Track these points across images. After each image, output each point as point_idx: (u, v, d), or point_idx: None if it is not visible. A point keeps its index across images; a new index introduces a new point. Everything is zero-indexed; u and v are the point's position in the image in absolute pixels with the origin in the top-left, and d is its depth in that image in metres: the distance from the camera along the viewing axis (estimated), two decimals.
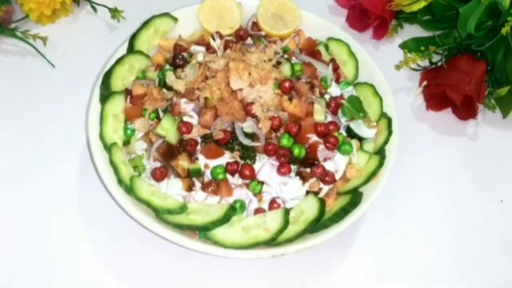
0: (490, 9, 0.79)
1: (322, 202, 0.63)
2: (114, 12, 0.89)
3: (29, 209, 0.70)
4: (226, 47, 0.73)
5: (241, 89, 0.65)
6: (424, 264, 0.71)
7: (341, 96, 0.71)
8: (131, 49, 0.74)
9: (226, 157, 0.64)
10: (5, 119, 0.79)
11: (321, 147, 0.65)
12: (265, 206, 0.63)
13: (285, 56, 0.73)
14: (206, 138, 0.65)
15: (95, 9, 0.91)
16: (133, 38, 0.74)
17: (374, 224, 0.72)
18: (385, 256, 0.70)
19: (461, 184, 0.79)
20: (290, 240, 0.60)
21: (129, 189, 0.62)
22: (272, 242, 0.59)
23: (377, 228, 0.72)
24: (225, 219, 0.60)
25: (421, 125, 0.85)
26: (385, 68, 0.84)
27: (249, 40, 0.76)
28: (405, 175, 0.76)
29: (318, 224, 0.61)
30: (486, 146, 0.83)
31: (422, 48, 0.83)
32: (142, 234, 0.64)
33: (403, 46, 0.91)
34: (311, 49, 0.78)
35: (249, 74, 0.64)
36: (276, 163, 0.64)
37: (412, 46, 0.91)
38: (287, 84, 0.67)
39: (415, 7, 0.88)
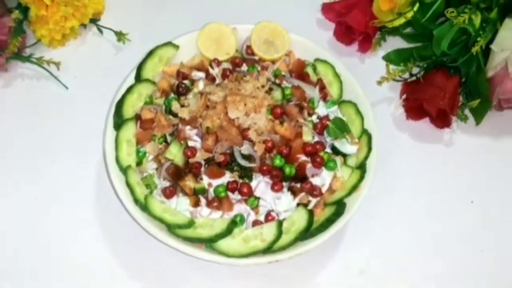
0: (462, 29, 0.87)
1: (311, 214, 0.72)
2: (120, 35, 0.97)
3: (46, 226, 0.79)
4: (223, 75, 0.81)
5: (238, 118, 0.74)
6: (402, 261, 0.80)
7: (327, 117, 0.80)
8: (138, 77, 0.82)
9: (227, 177, 0.73)
10: (23, 140, 0.86)
11: (309, 165, 0.75)
12: (262, 218, 0.73)
13: (277, 81, 0.82)
14: (209, 160, 0.74)
15: (101, 31, 0.99)
16: (140, 67, 0.82)
17: (358, 226, 0.81)
18: (368, 256, 0.80)
19: (436, 187, 0.87)
20: (283, 248, 0.70)
21: (144, 207, 0.72)
22: (268, 250, 0.69)
23: (359, 229, 0.81)
24: (227, 232, 0.70)
25: (401, 133, 0.93)
26: (370, 80, 0.92)
27: (244, 66, 0.85)
28: (386, 179, 0.84)
29: (307, 233, 0.71)
30: (460, 152, 0.91)
31: (402, 64, 0.91)
32: (157, 246, 0.74)
33: (386, 58, 0.99)
34: (300, 70, 0.86)
35: (245, 104, 0.73)
36: (270, 181, 0.74)
37: (394, 57, 0.99)
38: (278, 110, 0.76)
39: (397, 23, 0.96)
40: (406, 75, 0.94)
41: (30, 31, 0.96)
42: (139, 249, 0.77)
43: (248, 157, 0.74)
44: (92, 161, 0.85)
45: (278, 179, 0.73)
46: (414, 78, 0.95)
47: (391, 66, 0.94)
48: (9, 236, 0.78)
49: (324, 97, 0.84)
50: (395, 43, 1.01)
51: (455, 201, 0.87)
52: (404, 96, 0.93)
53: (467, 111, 0.93)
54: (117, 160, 0.75)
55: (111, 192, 0.77)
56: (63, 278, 0.76)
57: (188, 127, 0.76)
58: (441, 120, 0.91)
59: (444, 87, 0.88)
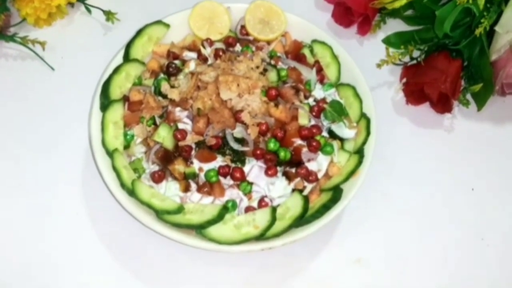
0: (465, 10, 0.83)
1: (306, 200, 0.69)
2: (109, 15, 0.93)
3: (32, 212, 0.75)
4: (216, 55, 0.77)
5: (230, 99, 0.70)
6: (399, 250, 0.78)
7: (324, 100, 0.77)
8: (126, 57, 0.78)
9: (219, 161, 0.70)
10: (7, 122, 0.83)
11: (304, 149, 0.72)
12: (255, 204, 0.70)
13: (272, 62, 0.78)
14: (199, 144, 0.70)
15: (89, 11, 0.95)
16: (128, 47, 0.78)
17: (354, 212, 0.78)
18: (364, 243, 0.77)
19: (436, 174, 0.84)
20: (277, 235, 0.67)
21: (131, 192, 0.68)
22: (261, 237, 0.67)
23: (356, 216, 0.78)
24: (218, 218, 0.66)
25: (401, 118, 0.90)
26: (369, 63, 0.89)
27: (238, 46, 0.81)
28: (384, 165, 0.81)
29: (302, 220, 0.68)
30: (461, 138, 0.88)
31: (402, 46, 0.88)
32: (145, 233, 0.71)
33: (386, 41, 0.96)
34: (297, 52, 0.83)
35: (238, 85, 0.70)
36: (264, 166, 0.71)
37: (394, 40, 0.95)
38: (273, 92, 0.72)
39: (397, 4, 0.92)
40: (407, 59, 0.91)
41: (14, 9, 0.91)
42: (127, 235, 0.74)
43: (241, 141, 0.70)
44: (78, 145, 0.81)
45: (273, 164, 0.70)
46: (414, 61, 0.91)
47: (391, 49, 0.91)
48: None
49: (321, 79, 0.81)
50: (395, 25, 0.98)
51: (455, 188, 0.84)
52: (404, 80, 0.90)
53: (468, 96, 0.90)
54: (103, 143, 0.71)
55: (97, 177, 0.74)
56: (48, 265, 0.73)
57: (178, 108, 0.72)
58: (442, 105, 0.88)
59: (445, 70, 0.85)
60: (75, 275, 0.73)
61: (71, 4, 0.95)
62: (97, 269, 0.73)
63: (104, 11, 0.93)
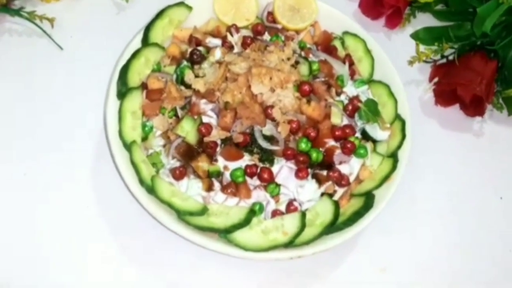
0: (509, 9, 0.79)
1: (337, 206, 0.65)
2: None
3: (39, 207, 0.70)
4: (244, 43, 0.72)
5: (261, 93, 0.65)
6: (425, 259, 0.74)
7: (357, 98, 0.72)
8: (145, 40, 0.72)
9: (245, 160, 0.65)
10: (9, 106, 0.76)
11: (338, 151, 0.67)
12: (282, 207, 0.65)
13: (303, 54, 0.73)
14: (225, 140, 0.65)
15: None
16: (148, 29, 0.72)
17: (380, 217, 0.74)
18: (389, 252, 0.73)
19: (463, 180, 0.81)
20: (306, 243, 0.63)
21: (151, 190, 0.63)
22: (289, 244, 0.62)
23: (382, 222, 0.74)
24: (245, 222, 0.62)
25: (428, 119, 0.86)
26: (396, 59, 0.84)
27: (266, 35, 0.75)
28: (409, 168, 0.77)
29: (333, 227, 0.64)
30: (490, 144, 0.85)
31: (436, 44, 0.83)
32: (164, 234, 0.66)
33: (414, 36, 0.91)
34: (327, 43, 0.77)
35: (270, 78, 0.64)
36: (294, 167, 0.66)
37: (423, 36, 0.91)
38: (306, 87, 0.67)
39: None
40: (437, 57, 0.86)
41: None
42: (144, 236, 0.69)
43: (270, 139, 0.65)
44: (90, 134, 0.75)
45: (304, 166, 0.65)
46: (444, 60, 0.87)
47: (423, 46, 0.86)
48: None
49: (352, 74, 0.76)
50: (425, 20, 0.93)
51: (483, 196, 0.81)
52: (435, 80, 0.85)
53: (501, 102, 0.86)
54: (120, 134, 0.65)
55: (111, 171, 0.68)
56: (55, 265, 0.67)
57: (203, 100, 0.66)
58: (474, 108, 0.83)
59: (482, 72, 0.81)
60: (83, 272, 0.67)
61: None
62: (112, 272, 0.68)
63: None
